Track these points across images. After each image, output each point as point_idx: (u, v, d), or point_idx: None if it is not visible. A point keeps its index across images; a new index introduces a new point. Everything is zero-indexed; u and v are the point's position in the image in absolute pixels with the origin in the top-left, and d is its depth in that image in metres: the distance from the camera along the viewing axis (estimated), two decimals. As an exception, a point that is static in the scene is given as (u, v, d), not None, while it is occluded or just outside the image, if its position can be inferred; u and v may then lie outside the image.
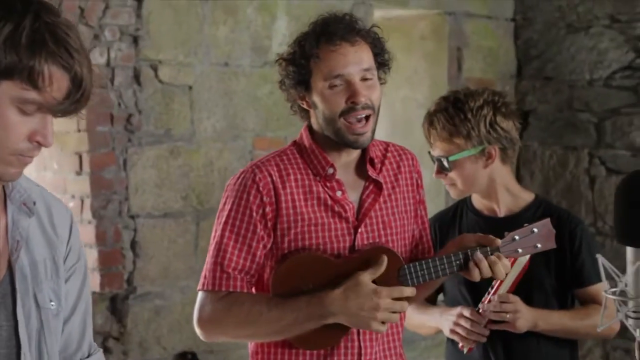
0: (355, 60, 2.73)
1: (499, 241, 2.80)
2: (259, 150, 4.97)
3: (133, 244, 4.61)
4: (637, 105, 5.88)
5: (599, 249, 5.78)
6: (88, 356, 2.16)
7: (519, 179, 5.97)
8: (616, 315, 2.23)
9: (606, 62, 5.98)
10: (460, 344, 3.20)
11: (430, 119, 3.23)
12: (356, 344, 2.81)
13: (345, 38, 2.72)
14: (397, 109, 6.09)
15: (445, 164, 3.20)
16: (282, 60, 2.80)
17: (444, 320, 3.23)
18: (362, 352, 2.82)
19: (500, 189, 3.27)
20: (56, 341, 2.04)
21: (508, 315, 3.11)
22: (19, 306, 1.96)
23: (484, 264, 2.77)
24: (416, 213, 2.95)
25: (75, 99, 1.85)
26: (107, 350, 4.52)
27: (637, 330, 2.19)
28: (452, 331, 3.19)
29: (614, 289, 2.23)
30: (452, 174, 3.21)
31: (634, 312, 2.19)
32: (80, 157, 4.55)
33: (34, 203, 2.01)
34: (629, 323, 2.21)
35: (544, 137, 6.22)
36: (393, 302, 2.70)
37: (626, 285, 2.19)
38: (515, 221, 3.11)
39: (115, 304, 4.59)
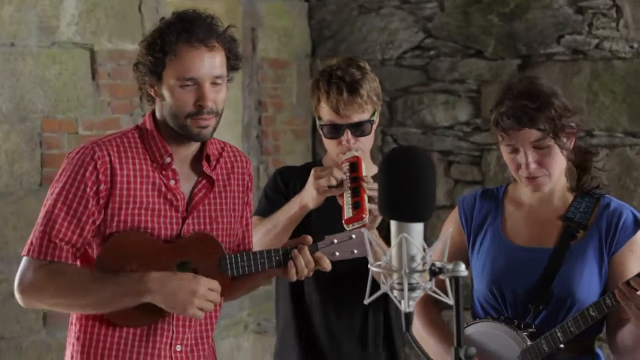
0: (210, 65, 2.84)
1: (309, 239, 2.94)
2: (48, 133, 4.85)
3: None
4: (426, 84, 6.04)
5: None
6: None
7: (315, 158, 6.04)
8: (382, 287, 2.30)
9: (397, 42, 6.11)
10: None
11: None
12: (171, 327, 2.91)
13: (203, 41, 2.83)
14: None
15: None
16: (143, 47, 2.86)
17: None
18: (174, 336, 2.91)
19: None
20: None
21: None
22: None
23: (300, 261, 2.90)
24: (242, 214, 3.06)
25: None
26: None
27: (402, 302, 2.27)
28: None
29: (379, 262, 2.30)
30: None
31: (398, 284, 2.28)
32: None
33: None
34: (394, 295, 2.28)
35: (339, 117, 6.30)
36: (209, 291, 2.82)
37: (390, 258, 2.27)
38: None
39: None
